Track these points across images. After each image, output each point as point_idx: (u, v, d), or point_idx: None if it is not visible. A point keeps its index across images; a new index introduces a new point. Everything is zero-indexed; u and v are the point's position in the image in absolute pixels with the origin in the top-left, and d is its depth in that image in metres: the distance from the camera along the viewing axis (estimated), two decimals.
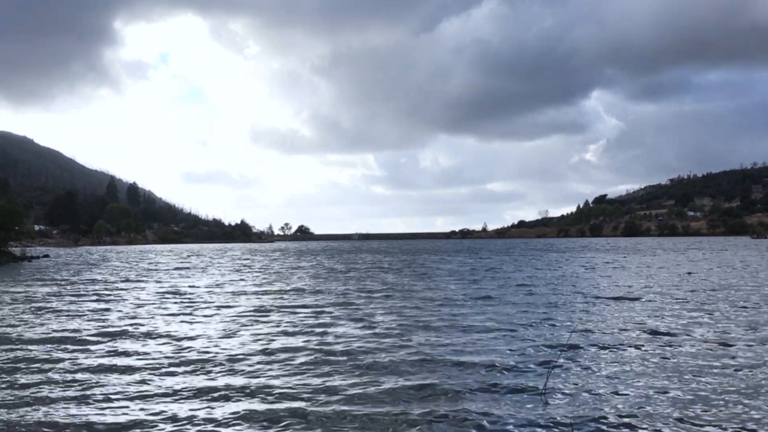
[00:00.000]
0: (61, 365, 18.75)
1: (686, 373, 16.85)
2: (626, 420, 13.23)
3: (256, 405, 14.53)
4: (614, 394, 15.20)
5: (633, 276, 51.21)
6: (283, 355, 19.66)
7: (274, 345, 21.48)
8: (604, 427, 12.78)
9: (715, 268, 58.96)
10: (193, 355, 19.90)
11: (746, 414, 13.46)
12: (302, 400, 14.68)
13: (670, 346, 20.67)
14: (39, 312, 32.44)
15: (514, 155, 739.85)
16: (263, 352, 20.32)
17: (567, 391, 15.35)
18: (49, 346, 22.05)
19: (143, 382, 16.87)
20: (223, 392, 15.36)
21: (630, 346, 20.75)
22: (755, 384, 15.43)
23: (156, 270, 73.57)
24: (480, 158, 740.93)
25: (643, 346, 20.84)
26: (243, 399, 14.91)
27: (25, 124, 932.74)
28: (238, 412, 13.66)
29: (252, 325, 26.68)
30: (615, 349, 20.47)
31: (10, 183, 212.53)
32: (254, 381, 16.51)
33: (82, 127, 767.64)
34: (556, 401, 14.51)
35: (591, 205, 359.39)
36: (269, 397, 15.08)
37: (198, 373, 17.56)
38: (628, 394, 15.12)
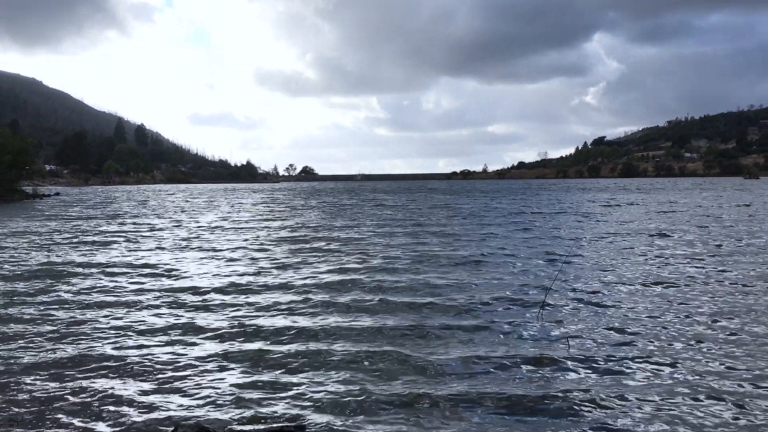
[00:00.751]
0: (65, 294, 19.30)
1: (676, 296, 17.39)
2: (619, 333, 13.76)
3: (241, 343, 14.99)
4: (607, 310, 15.76)
5: (623, 213, 51.54)
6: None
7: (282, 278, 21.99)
8: (598, 339, 13.31)
9: (693, 208, 59.27)
10: (196, 286, 20.47)
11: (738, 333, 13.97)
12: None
13: (659, 267, 21.22)
14: (45, 244, 32.94)
15: (515, 97, 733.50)
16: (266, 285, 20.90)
17: (563, 310, 15.93)
18: (54, 276, 22.59)
19: (139, 314, 17.38)
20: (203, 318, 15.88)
21: (624, 271, 21.30)
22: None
23: (164, 208, 73.98)
24: (481, 100, 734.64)
25: (635, 269, 21.40)
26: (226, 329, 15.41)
27: (34, 66, 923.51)
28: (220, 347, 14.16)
29: (258, 258, 27.19)
30: (609, 272, 21.07)
31: (20, 124, 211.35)
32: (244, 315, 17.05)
33: (89, 69, 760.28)
34: (552, 318, 15.05)
35: (589, 146, 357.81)
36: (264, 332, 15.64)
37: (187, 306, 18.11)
38: (620, 310, 15.68)
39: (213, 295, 18.32)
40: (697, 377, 10.77)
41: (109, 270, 23.11)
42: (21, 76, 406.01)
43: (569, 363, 11.66)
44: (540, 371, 11.35)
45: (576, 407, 9.57)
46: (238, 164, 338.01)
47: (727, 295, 17.12)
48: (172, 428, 8.77)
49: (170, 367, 11.91)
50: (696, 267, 21.91)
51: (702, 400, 9.69)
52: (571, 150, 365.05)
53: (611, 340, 13.14)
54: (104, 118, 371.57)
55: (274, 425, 9.02)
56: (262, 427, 9.03)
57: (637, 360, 11.77)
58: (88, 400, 10.19)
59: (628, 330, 13.80)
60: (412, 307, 16.41)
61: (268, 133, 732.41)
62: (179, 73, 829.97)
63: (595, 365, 11.55)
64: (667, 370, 11.20)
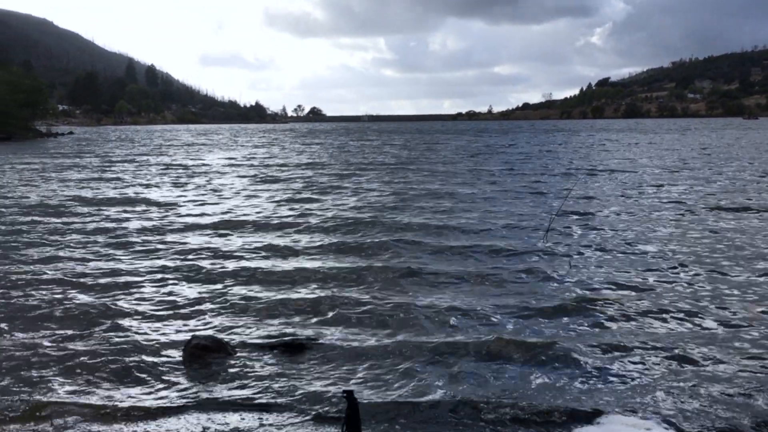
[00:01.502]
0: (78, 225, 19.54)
1: (669, 222, 17.61)
2: (620, 249, 14.11)
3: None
4: (608, 233, 16.14)
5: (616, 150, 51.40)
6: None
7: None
8: (599, 253, 13.71)
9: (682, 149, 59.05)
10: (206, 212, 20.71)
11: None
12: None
13: (659, 198, 21.46)
14: (58, 179, 33.14)
15: (521, 38, 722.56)
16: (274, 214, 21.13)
17: (567, 233, 16.42)
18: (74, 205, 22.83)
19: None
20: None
21: (625, 200, 21.60)
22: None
23: (174, 146, 73.94)
24: (488, 41, 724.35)
25: (635, 199, 21.68)
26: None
27: (44, 5, 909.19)
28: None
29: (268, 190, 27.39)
30: (611, 200, 21.44)
31: (32, 64, 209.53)
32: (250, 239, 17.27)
33: (100, 9, 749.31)
34: (556, 239, 15.51)
35: (594, 88, 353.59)
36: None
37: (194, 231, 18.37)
38: (621, 233, 16.10)
39: (217, 222, 18.57)
40: (689, 293, 10.95)
41: (119, 201, 23.38)
42: (32, 16, 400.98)
43: (568, 279, 12.07)
44: (541, 283, 11.83)
45: (571, 313, 9.93)
46: (247, 105, 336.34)
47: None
48: (188, 338, 8.98)
49: (184, 285, 12.18)
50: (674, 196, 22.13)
51: (695, 317, 9.86)
52: (576, 91, 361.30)
53: (608, 260, 13.53)
54: (115, 58, 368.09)
55: (286, 338, 9.23)
56: (273, 340, 9.25)
57: (632, 277, 12.05)
58: (101, 317, 10.42)
59: (626, 251, 14.20)
60: (424, 228, 16.95)
61: (276, 74, 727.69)
62: (189, 13, 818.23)
63: (590, 280, 11.94)
64: (661, 287, 11.41)
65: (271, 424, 6.72)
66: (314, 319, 10.11)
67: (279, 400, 7.26)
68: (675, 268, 12.77)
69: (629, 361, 8.09)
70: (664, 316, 9.92)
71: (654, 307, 10.35)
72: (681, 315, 9.92)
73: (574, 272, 12.53)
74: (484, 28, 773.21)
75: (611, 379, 7.61)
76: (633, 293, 11.16)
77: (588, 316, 10.00)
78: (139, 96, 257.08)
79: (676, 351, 8.38)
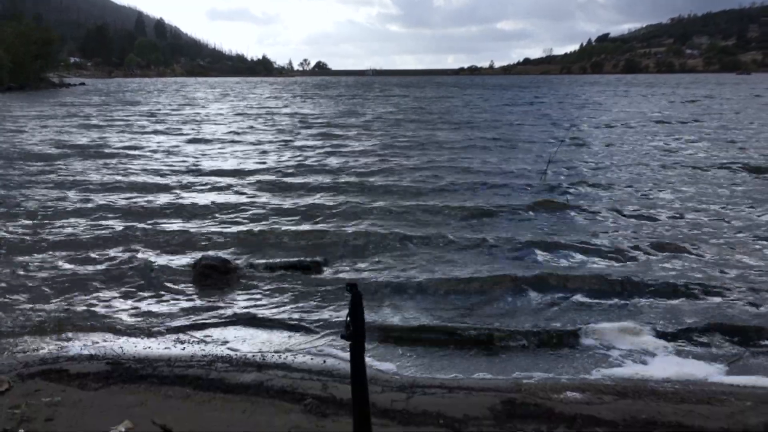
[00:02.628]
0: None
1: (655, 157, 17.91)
2: (609, 183, 14.48)
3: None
4: (599, 165, 16.65)
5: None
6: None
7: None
8: (588, 188, 14.10)
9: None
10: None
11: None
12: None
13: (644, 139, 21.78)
14: (67, 124, 33.21)
15: None
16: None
17: (564, 169, 16.90)
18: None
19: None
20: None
21: (612, 143, 21.92)
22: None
23: (184, 98, 73.57)
24: None
25: (623, 139, 21.99)
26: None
27: None
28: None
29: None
30: (604, 141, 21.87)
31: (43, 18, 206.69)
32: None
33: None
34: (554, 175, 15.99)
35: (594, 43, 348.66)
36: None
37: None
38: (611, 166, 16.60)
39: (224, 166, 18.80)
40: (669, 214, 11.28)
41: (134, 146, 23.60)
42: None
43: (569, 210, 12.50)
44: (542, 214, 12.45)
45: (565, 240, 10.22)
46: (255, 59, 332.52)
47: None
48: (198, 258, 9.26)
49: (197, 210, 12.49)
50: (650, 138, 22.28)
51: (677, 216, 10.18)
52: (576, 47, 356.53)
53: (598, 192, 14.13)
54: (124, 12, 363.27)
55: (292, 260, 9.50)
56: (279, 260, 9.52)
57: (622, 207, 12.39)
58: (117, 237, 10.72)
59: (612, 181, 14.49)
60: (427, 167, 17.30)
61: (283, 29, 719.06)
62: None
63: (584, 209, 12.60)
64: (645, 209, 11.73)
65: (275, 335, 7.02)
66: (319, 248, 10.38)
67: (283, 314, 7.57)
68: (674, 208, 13.08)
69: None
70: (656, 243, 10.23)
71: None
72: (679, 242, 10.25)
73: (571, 200, 13.21)
74: None
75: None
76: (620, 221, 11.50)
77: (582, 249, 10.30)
78: (149, 49, 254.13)
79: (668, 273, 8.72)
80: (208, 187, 15.62)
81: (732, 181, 15.80)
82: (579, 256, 9.65)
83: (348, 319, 4.37)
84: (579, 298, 7.95)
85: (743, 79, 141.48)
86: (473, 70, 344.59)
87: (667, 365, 6.19)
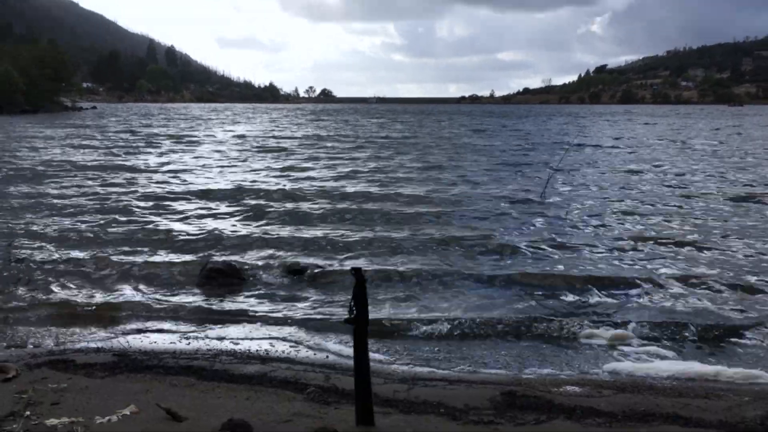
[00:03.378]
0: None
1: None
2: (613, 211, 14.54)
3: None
4: (597, 192, 16.63)
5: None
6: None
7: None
8: (587, 205, 14.13)
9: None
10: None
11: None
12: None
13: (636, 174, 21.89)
14: (81, 144, 33.40)
15: (525, 26, 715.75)
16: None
17: (560, 194, 16.82)
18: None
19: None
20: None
21: (605, 166, 22.02)
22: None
23: (193, 120, 73.90)
24: (493, 28, 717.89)
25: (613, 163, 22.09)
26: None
27: None
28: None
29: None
30: (598, 166, 21.87)
31: (57, 43, 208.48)
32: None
33: None
34: (551, 200, 15.96)
35: (591, 74, 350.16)
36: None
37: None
38: (611, 193, 16.57)
39: (230, 179, 18.88)
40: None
41: (151, 169, 23.72)
42: None
43: (565, 221, 12.49)
44: (542, 222, 12.58)
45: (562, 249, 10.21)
46: (262, 86, 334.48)
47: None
48: (204, 264, 9.25)
49: (203, 217, 12.53)
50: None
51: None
52: (575, 77, 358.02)
53: (594, 208, 14.28)
54: (136, 39, 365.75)
55: (296, 266, 9.47)
56: (284, 267, 9.50)
57: (617, 220, 12.36)
58: (131, 244, 10.73)
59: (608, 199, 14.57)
60: (430, 179, 17.28)
61: (290, 57, 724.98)
62: None
63: (583, 222, 12.58)
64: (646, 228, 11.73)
65: (279, 332, 6.99)
66: (321, 253, 10.37)
67: (286, 314, 7.56)
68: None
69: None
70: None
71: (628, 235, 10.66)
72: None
73: (570, 215, 13.28)
74: (490, 15, 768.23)
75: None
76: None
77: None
78: (159, 75, 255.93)
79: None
80: (215, 196, 15.70)
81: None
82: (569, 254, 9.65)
83: (352, 302, 4.37)
84: (574, 298, 7.94)
85: (736, 110, 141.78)
86: (474, 99, 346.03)
87: (665, 364, 6.15)
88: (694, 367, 6.05)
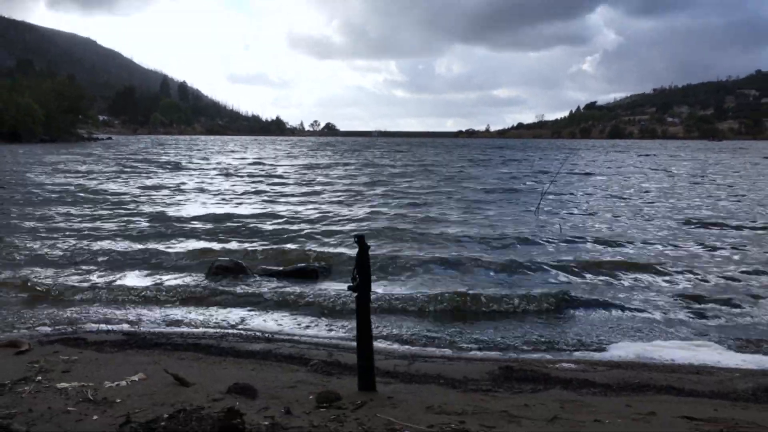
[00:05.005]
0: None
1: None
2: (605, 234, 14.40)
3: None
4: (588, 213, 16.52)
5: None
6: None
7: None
8: (579, 222, 13.97)
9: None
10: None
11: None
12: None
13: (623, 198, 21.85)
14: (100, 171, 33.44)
15: (519, 64, 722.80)
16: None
17: (554, 208, 16.79)
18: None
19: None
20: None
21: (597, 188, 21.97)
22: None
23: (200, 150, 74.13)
24: (489, 66, 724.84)
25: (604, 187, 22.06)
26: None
27: (90, 26, 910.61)
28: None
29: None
30: (587, 188, 21.80)
31: (76, 79, 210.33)
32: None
33: (139, 30, 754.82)
34: (545, 214, 15.83)
35: (582, 110, 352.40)
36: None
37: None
38: (599, 215, 16.47)
39: (240, 193, 18.86)
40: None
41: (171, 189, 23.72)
42: (78, 36, 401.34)
43: (558, 240, 12.29)
44: (535, 245, 11.99)
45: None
46: (269, 119, 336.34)
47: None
48: (211, 262, 9.19)
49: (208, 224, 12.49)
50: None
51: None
52: (566, 113, 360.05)
53: (587, 226, 13.86)
54: (151, 75, 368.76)
55: (300, 264, 9.41)
56: (289, 267, 9.42)
57: (606, 240, 12.28)
58: (144, 241, 10.70)
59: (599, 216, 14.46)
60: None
61: (296, 92, 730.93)
62: (219, 35, 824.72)
63: (576, 240, 12.23)
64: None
65: (284, 319, 6.91)
66: (326, 255, 10.32)
67: (290, 304, 7.49)
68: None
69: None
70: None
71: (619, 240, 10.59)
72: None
73: (565, 231, 13.09)
74: (486, 54, 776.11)
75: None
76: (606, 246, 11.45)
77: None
78: (172, 109, 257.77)
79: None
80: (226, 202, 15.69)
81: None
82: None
83: (355, 270, 4.30)
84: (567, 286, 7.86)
85: (716, 145, 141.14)
86: (471, 133, 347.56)
87: (657, 347, 6.06)
88: (687, 349, 5.96)
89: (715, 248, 11.18)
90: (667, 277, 8.88)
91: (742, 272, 9.22)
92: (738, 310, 7.31)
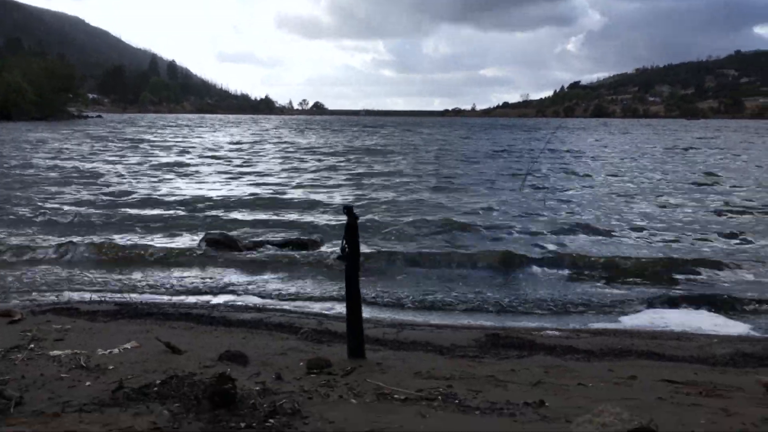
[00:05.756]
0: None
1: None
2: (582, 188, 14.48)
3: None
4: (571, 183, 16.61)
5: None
6: None
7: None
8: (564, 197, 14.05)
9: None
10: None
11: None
12: None
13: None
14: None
15: (506, 44, 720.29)
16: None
17: (540, 182, 16.91)
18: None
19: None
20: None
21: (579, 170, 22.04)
22: None
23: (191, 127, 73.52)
24: (476, 46, 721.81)
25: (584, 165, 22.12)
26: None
27: (78, 4, 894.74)
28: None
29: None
30: (569, 165, 21.91)
31: (66, 58, 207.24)
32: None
33: (128, 8, 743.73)
34: (528, 190, 15.92)
35: (566, 89, 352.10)
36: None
37: None
38: (579, 179, 16.56)
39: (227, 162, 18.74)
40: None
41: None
42: (66, 14, 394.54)
43: (544, 212, 12.34)
44: (522, 218, 12.14)
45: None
46: (258, 98, 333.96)
47: None
48: (202, 235, 9.14)
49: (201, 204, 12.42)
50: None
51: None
52: (551, 92, 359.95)
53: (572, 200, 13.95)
54: (140, 54, 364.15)
55: (291, 237, 9.38)
56: (279, 239, 9.39)
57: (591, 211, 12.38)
58: (138, 222, 10.63)
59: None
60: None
61: (285, 72, 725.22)
62: (208, 14, 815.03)
63: (559, 212, 12.38)
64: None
65: (274, 290, 6.89)
66: (317, 231, 10.29)
67: (281, 276, 7.45)
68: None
69: None
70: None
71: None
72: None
73: (548, 204, 13.21)
74: (473, 34, 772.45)
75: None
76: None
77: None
78: (161, 88, 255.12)
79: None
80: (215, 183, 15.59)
81: None
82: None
83: (344, 240, 4.28)
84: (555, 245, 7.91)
85: (691, 123, 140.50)
86: (457, 112, 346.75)
87: (638, 317, 6.11)
88: (666, 318, 6.02)
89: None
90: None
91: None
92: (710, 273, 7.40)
